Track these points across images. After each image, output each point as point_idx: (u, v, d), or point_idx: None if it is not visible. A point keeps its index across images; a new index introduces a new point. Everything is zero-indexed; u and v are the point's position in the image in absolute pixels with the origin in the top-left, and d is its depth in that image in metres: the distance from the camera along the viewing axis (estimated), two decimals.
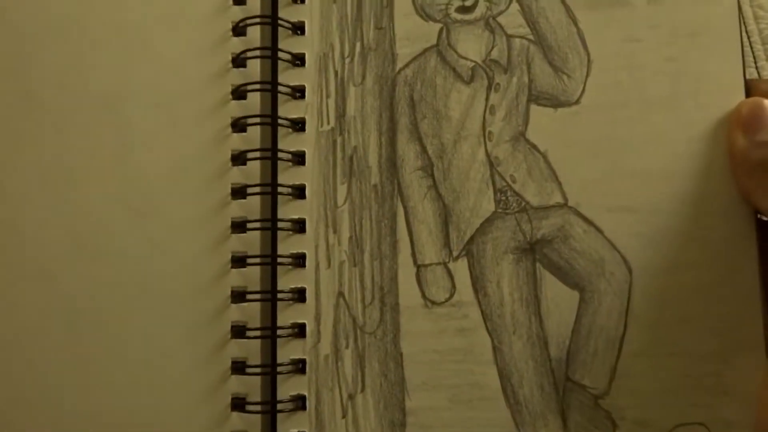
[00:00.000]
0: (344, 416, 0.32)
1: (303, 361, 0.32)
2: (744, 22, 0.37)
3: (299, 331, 0.32)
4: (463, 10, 0.34)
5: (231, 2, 0.34)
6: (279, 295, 0.32)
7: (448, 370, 0.32)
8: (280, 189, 0.33)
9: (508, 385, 0.32)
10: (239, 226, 0.33)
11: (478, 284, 0.32)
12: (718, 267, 0.31)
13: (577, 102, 0.33)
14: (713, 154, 0.32)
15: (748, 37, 0.39)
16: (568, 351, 0.32)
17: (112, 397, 0.32)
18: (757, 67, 0.38)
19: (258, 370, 0.31)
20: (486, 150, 0.33)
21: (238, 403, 0.32)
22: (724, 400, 0.30)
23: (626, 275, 0.32)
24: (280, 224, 0.32)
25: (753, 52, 0.39)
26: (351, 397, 0.32)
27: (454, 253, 0.33)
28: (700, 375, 0.31)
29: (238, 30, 0.34)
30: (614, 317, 0.31)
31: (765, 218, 0.31)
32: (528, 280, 0.32)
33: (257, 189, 0.32)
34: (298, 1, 0.34)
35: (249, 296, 0.32)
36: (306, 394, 0.32)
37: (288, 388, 0.32)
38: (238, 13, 0.34)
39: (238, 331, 0.32)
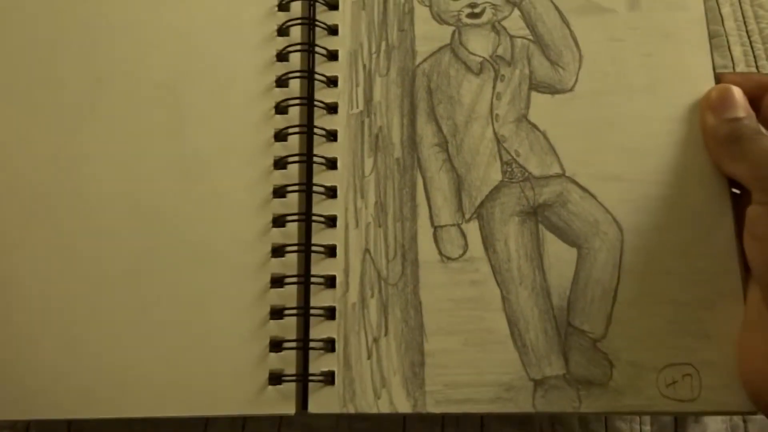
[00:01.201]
0: (369, 357, 0.31)
1: (333, 309, 0.32)
2: (744, 23, 0.37)
3: (330, 282, 0.32)
4: (473, 16, 0.35)
5: (276, 8, 0.35)
6: (313, 248, 0.32)
7: (461, 317, 0.31)
8: (315, 160, 0.33)
9: (516, 330, 0.31)
10: (280, 192, 0.33)
11: (487, 242, 0.32)
12: (698, 226, 0.31)
13: (571, 90, 0.33)
14: (688, 132, 0.32)
15: (749, 37, 0.39)
16: (568, 300, 0.31)
17: (163, 339, 0.31)
18: (757, 66, 0.38)
19: (294, 313, 0.31)
20: (493, 129, 0.34)
21: (276, 344, 0.31)
22: (708, 344, 0.30)
23: (618, 234, 0.32)
24: (315, 189, 0.33)
25: (753, 51, 0.39)
26: (375, 340, 0.31)
27: (467, 216, 0.33)
28: (685, 321, 0.30)
29: (282, 31, 0.35)
30: (608, 270, 0.31)
31: (737, 191, 0.32)
32: (532, 239, 0.32)
33: (296, 159, 0.33)
34: (333, 8, 0.36)
35: (287, 251, 0.32)
36: (335, 337, 0.32)
37: (319, 331, 0.31)
38: (282, 17, 0.35)
39: (277, 281, 0.32)
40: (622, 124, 0.31)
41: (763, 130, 0.29)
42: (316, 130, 0.32)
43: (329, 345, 0.30)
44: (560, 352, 0.29)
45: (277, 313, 0.30)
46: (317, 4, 0.33)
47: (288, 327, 0.30)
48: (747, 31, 0.37)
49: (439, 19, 0.34)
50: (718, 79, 0.32)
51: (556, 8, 0.33)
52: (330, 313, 0.30)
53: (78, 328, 0.30)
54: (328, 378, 0.29)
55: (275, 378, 0.29)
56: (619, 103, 0.32)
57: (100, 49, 0.33)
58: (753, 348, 0.27)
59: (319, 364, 0.30)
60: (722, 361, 0.28)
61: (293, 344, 0.29)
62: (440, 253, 0.31)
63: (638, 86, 0.32)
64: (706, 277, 0.29)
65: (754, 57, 0.38)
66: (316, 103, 0.32)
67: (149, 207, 0.31)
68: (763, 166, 0.27)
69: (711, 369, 0.28)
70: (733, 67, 0.30)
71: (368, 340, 0.30)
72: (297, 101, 0.32)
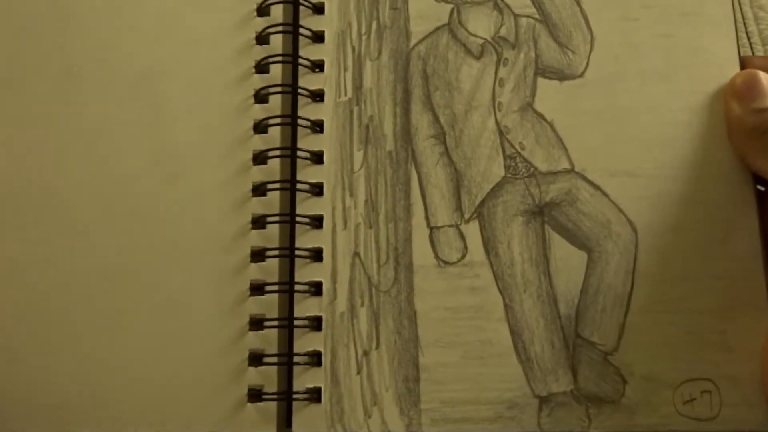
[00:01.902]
0: (359, 372, 0.28)
1: (319, 319, 0.29)
2: (744, 24, 0.35)
3: (316, 289, 0.29)
4: None
5: None
6: (297, 254, 0.29)
7: (460, 327, 0.28)
8: (299, 154, 0.30)
9: (520, 341, 0.28)
10: (260, 190, 0.29)
11: (489, 245, 0.29)
12: (719, 226, 0.28)
13: (581, 75, 0.30)
14: (709, 122, 0.29)
15: (749, 38, 0.37)
16: (577, 308, 0.28)
17: (135, 349, 0.28)
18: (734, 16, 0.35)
19: (275, 324, 0.28)
20: (496, 119, 0.30)
21: (256, 357, 0.28)
22: (730, 356, 0.27)
23: (632, 236, 0.28)
24: (299, 186, 0.29)
25: (753, 53, 0.37)
26: (366, 353, 0.28)
27: (466, 216, 0.29)
28: (705, 331, 0.27)
29: (262, 10, 0.31)
30: (621, 276, 0.28)
31: (762, 188, 0.29)
32: (537, 241, 0.29)
33: (277, 153, 0.29)
34: None
35: (268, 255, 0.29)
36: (321, 350, 0.28)
37: (304, 344, 0.28)
38: None
39: (257, 288, 0.28)
40: (636, 113, 0.28)
41: None
42: (300, 121, 0.28)
43: (315, 359, 0.27)
44: (568, 366, 0.26)
45: (257, 324, 0.27)
46: None
47: (269, 339, 0.27)
48: (747, 33, 0.35)
49: None
50: (743, 63, 0.28)
51: None
52: (316, 324, 0.27)
53: (44, 338, 0.27)
54: (314, 395, 0.26)
55: (255, 395, 0.26)
56: (633, 91, 0.28)
57: (70, 38, 0.30)
58: None
59: (304, 379, 0.26)
60: (745, 376, 0.25)
61: (275, 359, 0.26)
62: (437, 256, 0.27)
63: (654, 71, 0.28)
64: (727, 283, 0.26)
65: None
66: (299, 90, 0.28)
67: (122, 205, 0.28)
68: None
69: (732, 384, 0.26)
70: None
71: (358, 353, 0.27)
72: (279, 89, 0.28)
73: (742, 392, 0.26)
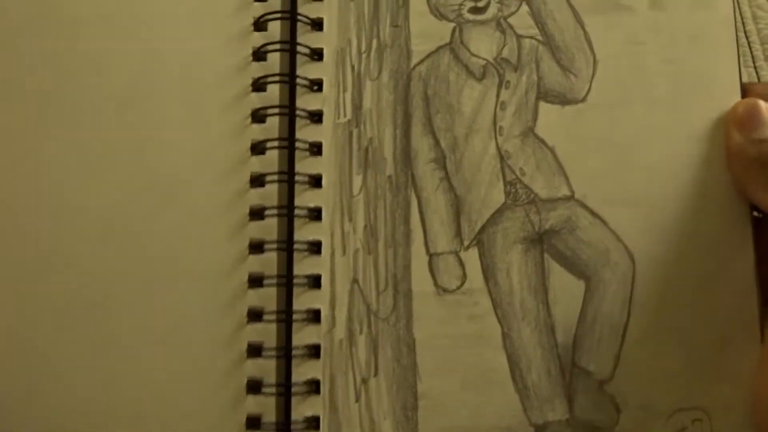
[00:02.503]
0: (357, 400, 0.28)
1: (317, 346, 0.28)
2: (743, 23, 0.34)
3: (314, 316, 0.29)
4: (476, 10, 0.31)
5: None
6: (295, 281, 0.28)
7: (458, 355, 0.28)
8: (297, 178, 0.29)
9: (517, 370, 0.28)
10: (257, 214, 0.29)
11: (488, 273, 0.29)
12: (716, 257, 0.28)
13: (584, 100, 0.29)
14: (710, 151, 0.29)
15: (747, 37, 0.36)
16: (574, 338, 0.28)
17: (132, 377, 0.27)
18: (755, 67, 0.35)
19: (273, 353, 0.27)
20: (497, 144, 0.30)
21: (254, 386, 0.28)
22: (722, 386, 0.27)
23: (630, 265, 0.28)
24: (296, 212, 0.29)
25: (751, 52, 0.36)
26: (364, 381, 0.28)
27: (465, 243, 0.29)
28: (698, 362, 0.27)
29: (259, 25, 0.30)
30: (618, 305, 0.28)
31: (758, 214, 0.28)
32: (536, 270, 0.29)
33: (275, 177, 0.29)
34: None
35: (266, 282, 0.28)
36: (320, 378, 0.28)
37: (302, 372, 0.28)
38: (259, 9, 0.30)
39: (255, 315, 0.28)
40: (638, 140, 0.28)
41: None
42: (298, 144, 0.27)
43: (313, 386, 0.26)
44: (564, 394, 0.26)
45: (255, 351, 0.26)
46: None
47: (267, 367, 0.26)
48: (745, 32, 0.34)
49: (438, 13, 0.29)
50: (744, 89, 0.28)
51: (569, 4, 0.29)
52: (314, 351, 0.26)
53: (39, 361, 0.26)
54: (312, 423, 0.26)
55: (253, 423, 0.26)
56: (635, 117, 0.28)
57: (53, 52, 0.28)
58: None
59: (303, 408, 0.26)
60: (736, 405, 0.26)
61: (273, 389, 0.26)
62: (436, 284, 0.27)
63: (658, 98, 0.28)
64: (722, 313, 0.26)
65: (753, 58, 0.35)
66: (297, 112, 0.27)
67: (115, 229, 0.27)
68: None
69: (723, 413, 0.26)
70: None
71: (356, 381, 0.26)
72: (276, 110, 0.27)
73: (733, 421, 0.26)
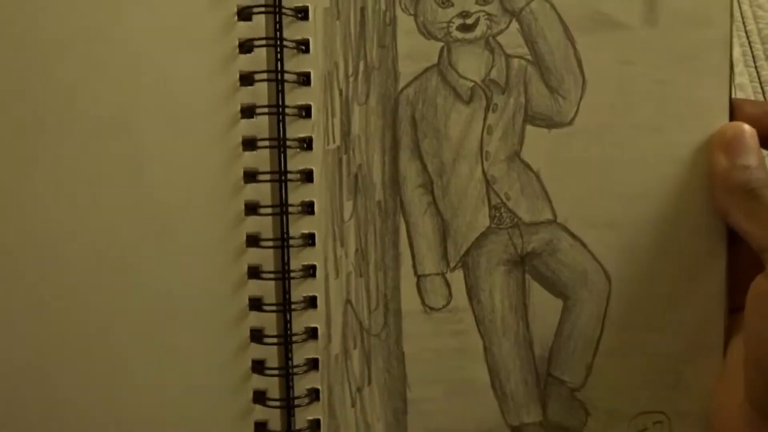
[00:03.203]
0: (353, 405, 0.31)
1: (316, 360, 0.31)
2: (743, 23, 0.33)
3: (312, 333, 0.31)
4: (464, 28, 0.30)
5: (236, 18, 0.29)
6: (293, 305, 0.30)
7: (444, 367, 0.31)
8: (291, 209, 0.30)
9: (497, 379, 0.31)
10: (253, 241, 0.30)
11: (472, 292, 0.31)
12: (689, 279, 0.29)
13: (570, 123, 0.29)
14: (691, 175, 0.29)
15: (747, 37, 0.35)
16: (550, 350, 0.30)
17: (135, 400, 0.30)
18: (756, 67, 0.34)
19: (276, 373, 0.30)
20: (483, 169, 0.30)
21: (259, 398, 0.31)
22: (684, 394, 0.29)
23: (606, 285, 0.30)
24: (292, 243, 0.30)
25: (752, 52, 0.35)
26: (359, 389, 0.31)
27: (451, 265, 0.31)
28: (663, 372, 0.29)
29: (245, 48, 0.30)
30: (592, 322, 0.30)
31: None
32: (517, 289, 0.30)
33: (269, 210, 0.30)
34: (303, 18, 0.30)
35: (266, 307, 0.30)
36: (319, 387, 0.31)
37: (304, 383, 0.31)
38: (244, 28, 0.29)
39: (256, 336, 0.30)
40: (623, 165, 0.28)
41: None
42: (290, 175, 0.28)
43: (314, 394, 0.29)
44: (539, 400, 0.29)
45: (258, 369, 0.29)
46: (284, 9, 0.28)
47: (271, 381, 0.29)
48: (746, 32, 0.33)
49: (426, 31, 0.28)
50: (733, 107, 0.28)
51: (561, 20, 0.28)
52: (313, 363, 0.29)
53: (38, 389, 0.29)
54: (314, 427, 0.29)
55: (260, 429, 0.29)
56: (622, 142, 0.28)
57: (34, 79, 0.28)
58: (729, 401, 0.27)
59: (305, 414, 0.29)
60: (695, 411, 0.29)
61: (277, 403, 0.29)
62: (423, 303, 0.29)
63: (645, 121, 0.28)
64: (690, 330, 0.29)
65: (753, 57, 0.34)
66: (288, 143, 0.28)
67: (111, 262, 0.29)
68: None
69: (683, 418, 0.29)
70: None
71: (352, 390, 0.29)
72: (267, 143, 0.28)
73: (691, 425, 0.29)
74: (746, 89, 0.36)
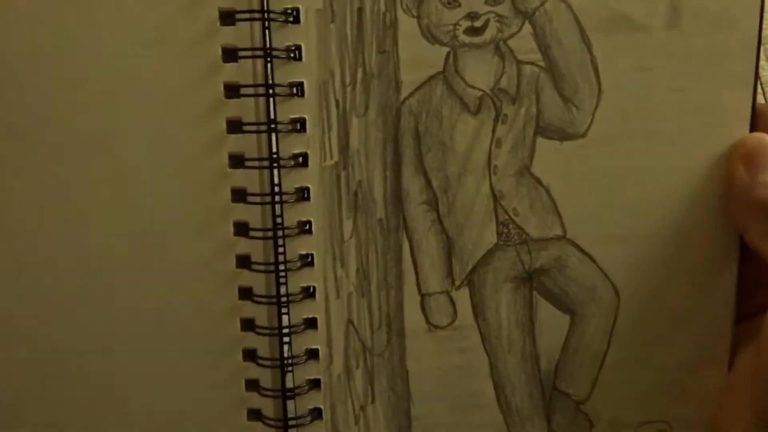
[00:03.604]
0: (357, 423, 0.31)
1: (318, 380, 0.30)
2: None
3: (313, 354, 0.30)
4: (472, 31, 0.27)
5: (218, 23, 0.26)
6: (292, 330, 0.29)
7: (448, 383, 0.30)
8: (287, 232, 0.28)
9: (502, 394, 0.30)
10: (245, 264, 0.28)
11: (477, 310, 0.29)
12: (699, 292, 0.29)
13: (584, 135, 0.28)
14: (706, 186, 0.28)
15: None
16: (556, 364, 0.30)
17: (132, 418, 0.29)
18: (757, 67, 0.32)
19: (270, 395, 0.29)
20: (491, 183, 0.28)
21: (256, 416, 0.30)
22: (687, 404, 0.29)
23: (614, 300, 0.29)
24: (288, 266, 0.28)
25: None
26: (362, 407, 0.30)
27: (457, 283, 0.29)
28: (668, 383, 0.29)
29: (228, 57, 0.27)
30: (599, 336, 0.29)
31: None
32: (524, 306, 0.29)
33: (259, 234, 0.28)
34: (294, 21, 0.26)
35: (260, 332, 0.29)
36: (322, 407, 0.30)
37: (305, 402, 0.30)
38: (229, 33, 0.26)
39: (251, 357, 0.29)
40: (636, 178, 0.27)
41: None
42: (285, 197, 0.26)
43: (316, 413, 0.29)
44: (544, 414, 0.29)
45: (253, 389, 0.28)
46: (273, 14, 0.25)
47: (268, 402, 0.28)
48: None
49: (430, 35, 0.26)
50: (757, 113, 0.26)
51: (577, 22, 0.26)
52: (315, 383, 0.28)
53: (34, 406, 0.28)
54: None
55: None
56: (636, 153, 0.27)
57: (8, 93, 0.25)
58: (733, 412, 0.27)
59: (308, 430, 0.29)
60: (698, 420, 0.29)
61: (272, 422, 0.28)
62: (428, 321, 0.28)
63: (660, 130, 0.27)
64: (697, 342, 0.28)
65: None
66: (282, 162, 0.26)
67: (100, 281, 0.27)
68: None
69: (685, 426, 0.29)
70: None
71: (355, 408, 0.29)
72: (256, 163, 0.26)
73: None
74: None
